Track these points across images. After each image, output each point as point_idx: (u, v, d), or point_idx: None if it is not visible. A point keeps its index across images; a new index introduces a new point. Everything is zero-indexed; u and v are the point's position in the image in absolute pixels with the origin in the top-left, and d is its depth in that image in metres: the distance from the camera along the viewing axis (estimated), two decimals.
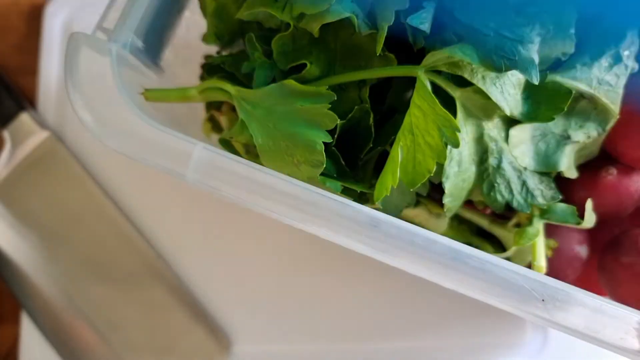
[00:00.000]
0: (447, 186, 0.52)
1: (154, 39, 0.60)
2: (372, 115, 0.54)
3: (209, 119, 0.69)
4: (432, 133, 0.48)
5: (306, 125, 0.49)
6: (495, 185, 0.53)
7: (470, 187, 0.54)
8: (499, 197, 0.53)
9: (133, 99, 0.52)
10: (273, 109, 0.50)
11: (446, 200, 0.52)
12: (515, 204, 0.54)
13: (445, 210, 0.53)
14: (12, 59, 0.94)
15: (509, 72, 0.50)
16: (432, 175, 0.49)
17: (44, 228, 0.88)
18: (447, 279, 0.48)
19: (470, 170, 0.53)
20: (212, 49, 0.68)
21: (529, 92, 0.52)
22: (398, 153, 0.49)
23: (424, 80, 0.49)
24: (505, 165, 0.53)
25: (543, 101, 0.52)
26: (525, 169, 0.54)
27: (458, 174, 0.52)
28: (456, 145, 0.48)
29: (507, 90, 0.50)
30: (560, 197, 0.56)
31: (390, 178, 0.50)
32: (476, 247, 0.57)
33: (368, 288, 0.86)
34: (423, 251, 0.48)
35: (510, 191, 0.54)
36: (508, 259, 0.60)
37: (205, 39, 0.65)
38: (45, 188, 0.89)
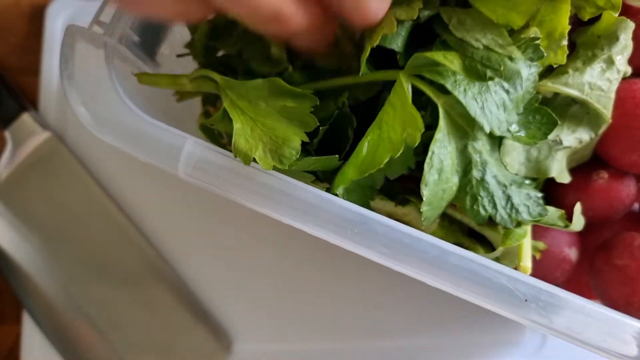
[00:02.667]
0: (426, 194, 0.51)
1: (150, 34, 0.60)
2: (354, 120, 0.55)
3: (204, 114, 0.69)
4: (396, 128, 0.48)
5: (287, 123, 0.50)
6: (479, 198, 0.52)
7: (450, 198, 0.53)
8: (482, 211, 0.52)
9: (128, 93, 0.52)
10: (257, 103, 0.51)
11: (424, 208, 0.51)
12: (498, 219, 0.53)
13: (423, 218, 0.52)
14: (14, 59, 0.95)
15: (493, 90, 0.49)
16: (382, 167, 0.49)
17: (45, 228, 0.88)
18: (432, 277, 0.49)
19: (452, 181, 0.52)
20: None
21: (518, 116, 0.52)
22: (364, 147, 0.50)
23: (404, 83, 0.49)
24: (489, 178, 0.52)
25: (530, 126, 0.52)
26: (511, 184, 0.54)
27: (438, 182, 0.51)
28: (412, 143, 0.48)
29: (488, 107, 0.49)
30: (547, 213, 0.56)
31: (352, 170, 0.50)
32: (467, 247, 0.58)
33: (368, 288, 0.87)
34: (408, 249, 0.49)
35: (494, 205, 0.53)
36: (497, 259, 0.60)
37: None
38: (46, 188, 0.89)
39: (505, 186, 0.53)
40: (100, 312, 0.87)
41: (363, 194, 0.55)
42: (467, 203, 0.53)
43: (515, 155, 0.55)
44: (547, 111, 0.51)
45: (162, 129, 0.51)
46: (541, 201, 0.55)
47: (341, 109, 0.55)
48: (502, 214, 0.53)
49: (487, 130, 0.49)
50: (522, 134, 0.51)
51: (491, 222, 0.56)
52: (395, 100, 0.49)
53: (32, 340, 0.88)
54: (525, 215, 0.54)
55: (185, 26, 0.64)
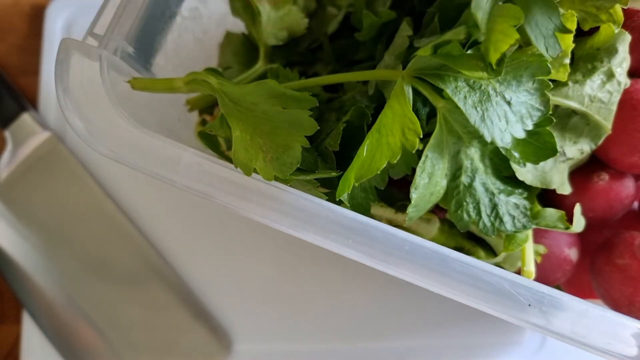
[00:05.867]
0: (414, 197, 0.50)
1: (145, 45, 0.59)
2: (369, 116, 0.54)
3: (201, 122, 0.69)
4: (395, 133, 0.47)
5: (286, 128, 0.49)
6: (464, 204, 0.52)
7: (437, 200, 0.52)
8: (465, 216, 0.52)
9: (123, 105, 0.52)
10: (254, 108, 0.50)
11: (410, 210, 0.51)
12: (481, 226, 0.52)
13: (407, 219, 0.51)
14: (13, 59, 0.95)
15: (494, 101, 0.48)
16: (385, 167, 0.49)
17: (45, 228, 0.88)
18: (434, 284, 0.49)
19: (441, 185, 0.52)
20: (204, 53, 0.68)
21: (517, 141, 0.51)
22: (363, 151, 0.49)
23: (404, 85, 0.48)
24: (477, 185, 0.52)
25: (530, 152, 0.51)
26: (499, 192, 0.53)
27: (427, 186, 0.50)
28: (411, 148, 0.46)
29: (489, 117, 0.47)
30: (532, 226, 0.55)
31: (353, 175, 0.49)
32: (467, 251, 0.57)
33: (368, 288, 0.87)
34: (410, 256, 0.48)
35: (478, 212, 0.52)
36: (498, 264, 0.60)
37: None
38: (46, 188, 0.89)
39: (493, 194, 0.53)
40: (100, 312, 0.87)
41: (366, 197, 0.55)
42: (452, 208, 0.52)
43: (530, 166, 0.55)
44: (551, 137, 0.50)
45: (159, 141, 0.50)
46: (529, 212, 0.55)
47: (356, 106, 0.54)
48: (485, 222, 0.52)
49: (488, 139, 0.48)
50: (517, 154, 0.51)
51: None
52: (394, 103, 0.48)
53: (32, 340, 0.88)
54: (509, 226, 0.53)
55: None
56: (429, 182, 0.50)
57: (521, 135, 0.48)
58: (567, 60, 0.51)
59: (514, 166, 0.53)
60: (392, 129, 0.48)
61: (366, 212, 0.53)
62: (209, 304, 0.88)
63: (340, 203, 0.51)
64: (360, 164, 0.48)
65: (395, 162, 0.47)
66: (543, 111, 0.49)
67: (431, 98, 0.49)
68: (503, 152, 0.50)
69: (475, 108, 0.47)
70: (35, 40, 0.95)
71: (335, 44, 0.65)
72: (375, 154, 0.48)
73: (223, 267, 0.89)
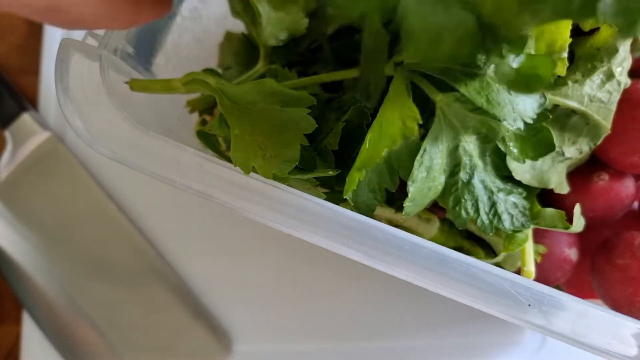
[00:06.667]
0: (412, 190, 0.50)
1: (145, 45, 0.59)
2: (368, 115, 0.53)
3: (201, 122, 0.68)
4: (395, 123, 0.47)
5: (285, 127, 0.49)
6: (462, 200, 0.51)
7: (435, 196, 0.52)
8: (463, 213, 0.52)
9: (123, 105, 0.52)
10: (252, 107, 0.49)
11: (407, 204, 0.50)
12: (479, 223, 0.52)
13: (403, 213, 0.51)
14: (14, 59, 0.95)
15: (496, 87, 0.48)
16: (395, 168, 0.49)
17: (45, 228, 0.88)
18: (434, 284, 0.49)
19: (439, 180, 0.51)
20: (204, 53, 0.68)
21: (515, 137, 0.51)
22: (366, 144, 0.48)
23: (402, 78, 0.48)
24: (476, 182, 0.52)
25: (528, 148, 0.51)
26: (499, 191, 0.53)
27: (425, 180, 0.50)
28: (411, 134, 0.47)
29: (495, 100, 0.48)
30: (530, 225, 0.55)
31: (358, 172, 0.49)
32: (467, 251, 0.57)
33: (368, 288, 0.87)
34: (410, 256, 0.48)
35: (477, 209, 0.52)
36: (498, 264, 0.60)
37: None
38: (46, 188, 0.89)
39: (492, 192, 0.53)
40: (100, 312, 0.87)
41: (374, 197, 0.54)
42: (450, 204, 0.52)
43: (527, 165, 0.55)
44: (548, 133, 0.50)
45: (159, 141, 0.50)
46: (527, 212, 0.54)
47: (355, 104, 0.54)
48: (483, 219, 0.52)
49: (501, 119, 0.47)
50: (515, 150, 0.51)
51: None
52: (393, 95, 0.48)
53: (32, 340, 0.88)
54: (507, 225, 0.53)
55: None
56: (427, 176, 0.50)
57: (529, 113, 0.48)
58: (565, 54, 0.51)
59: (512, 166, 0.53)
60: (393, 120, 0.48)
61: (370, 212, 0.53)
62: (209, 304, 0.88)
63: (343, 203, 0.51)
64: (365, 156, 0.48)
65: (395, 148, 0.47)
66: (541, 101, 0.49)
67: (429, 91, 0.49)
68: (502, 148, 0.50)
69: (479, 93, 0.47)
70: (35, 40, 0.95)
71: (335, 44, 0.65)
72: (377, 145, 0.48)
73: (223, 267, 0.89)
